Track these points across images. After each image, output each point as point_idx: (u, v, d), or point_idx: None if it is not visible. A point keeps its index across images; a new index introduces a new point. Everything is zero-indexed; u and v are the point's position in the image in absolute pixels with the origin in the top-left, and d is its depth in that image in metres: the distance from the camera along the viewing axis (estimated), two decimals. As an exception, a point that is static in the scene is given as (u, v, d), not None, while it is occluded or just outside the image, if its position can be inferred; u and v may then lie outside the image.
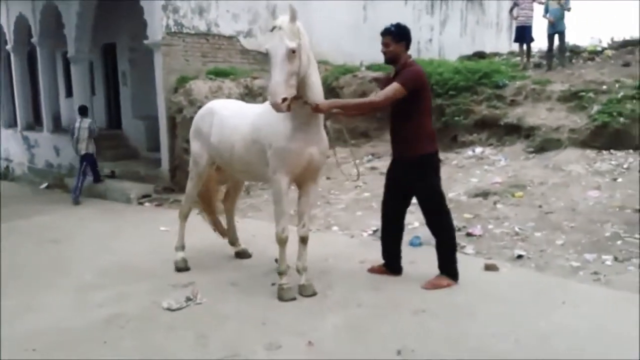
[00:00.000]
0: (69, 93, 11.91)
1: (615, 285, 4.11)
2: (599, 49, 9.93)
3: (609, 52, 9.42)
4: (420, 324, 3.57)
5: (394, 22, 4.22)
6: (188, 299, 4.08)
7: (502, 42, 19.22)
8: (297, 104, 3.74)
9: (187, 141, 8.90)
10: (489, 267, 4.60)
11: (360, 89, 10.13)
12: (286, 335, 3.48)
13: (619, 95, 7.39)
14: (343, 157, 5.28)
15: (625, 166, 6.58)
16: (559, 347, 3.20)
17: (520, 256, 4.85)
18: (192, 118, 8.74)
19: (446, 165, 8.16)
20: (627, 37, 10.06)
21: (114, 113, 12.66)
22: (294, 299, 4.09)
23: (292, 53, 3.57)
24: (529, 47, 9.92)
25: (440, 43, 17.09)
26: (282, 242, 4.14)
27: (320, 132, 4.02)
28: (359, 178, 4.63)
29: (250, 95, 9.69)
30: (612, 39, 10.20)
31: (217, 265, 5.08)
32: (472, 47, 17.03)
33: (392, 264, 4.52)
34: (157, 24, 9.00)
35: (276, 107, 3.57)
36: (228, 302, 4.10)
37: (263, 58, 11.06)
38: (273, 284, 4.41)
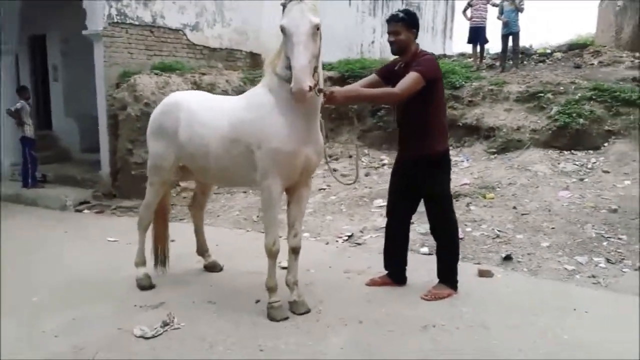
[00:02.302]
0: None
1: (616, 288, 4.01)
2: (549, 51, 10.15)
3: (559, 55, 9.65)
4: (434, 341, 3.26)
5: (402, 9, 3.88)
6: (165, 324, 3.53)
7: (437, 46, 19.57)
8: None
9: (131, 141, 8.25)
10: (483, 273, 4.39)
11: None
12: (289, 362, 3.05)
13: (577, 97, 7.50)
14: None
15: (589, 166, 6.64)
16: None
17: (508, 257, 4.67)
18: (138, 116, 8.13)
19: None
20: (569, 39, 10.35)
21: (43, 111, 11.50)
22: (287, 318, 3.65)
23: (316, 30, 3.09)
24: (482, 48, 9.98)
25: (382, 45, 17.09)
26: (272, 255, 3.68)
27: (317, 129, 3.58)
28: (356, 181, 4.17)
29: (199, 92, 9.07)
30: (557, 43, 10.52)
31: (185, 280, 4.53)
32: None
33: (396, 274, 4.18)
34: (98, 13, 8.17)
35: (301, 97, 3.03)
36: (211, 325, 3.59)
37: (210, 53, 10.49)
38: (257, 301, 3.97)
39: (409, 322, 3.53)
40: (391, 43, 3.79)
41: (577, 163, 6.80)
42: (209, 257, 4.79)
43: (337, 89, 3.53)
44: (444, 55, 12.90)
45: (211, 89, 9.19)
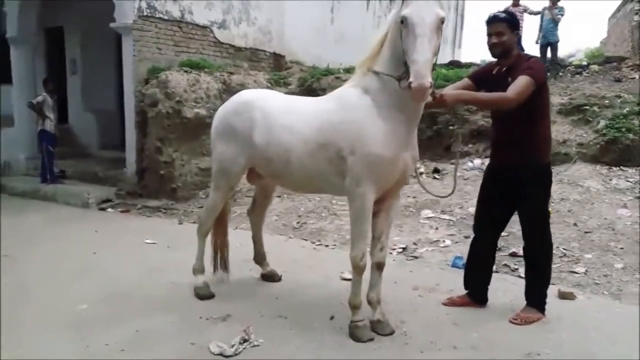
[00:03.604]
0: (5, 79, 10.28)
1: None
2: (584, 62, 9.98)
3: (595, 67, 9.47)
4: (546, 373, 2.98)
5: (496, 12, 3.59)
6: (243, 340, 3.22)
7: (447, 54, 19.36)
8: (403, 95, 3.00)
9: (160, 139, 7.93)
10: (565, 295, 4.12)
11: (345, 91, 9.50)
12: (396, 392, 2.76)
13: (625, 111, 7.29)
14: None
15: (643, 184, 6.42)
16: None
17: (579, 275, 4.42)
18: (169, 113, 7.83)
19: (447, 176, 7.76)
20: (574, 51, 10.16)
21: (59, 105, 11.12)
22: (373, 339, 3.35)
23: (441, 24, 2.81)
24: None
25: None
26: (360, 270, 3.37)
27: (415, 133, 3.31)
28: (453, 193, 3.83)
29: (228, 92, 8.76)
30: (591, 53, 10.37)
31: (245, 290, 4.23)
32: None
33: (479, 293, 3.90)
34: (128, 5, 7.88)
35: (422, 94, 2.73)
36: (291, 344, 3.29)
37: (235, 52, 10.21)
38: (332, 317, 3.68)
39: (509, 349, 3.25)
40: (493, 45, 3.51)
41: (630, 180, 6.58)
42: (267, 265, 4.50)
43: (447, 90, 3.26)
44: (472, 64, 12.66)
45: (241, 88, 8.90)
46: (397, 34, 2.95)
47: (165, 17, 8.48)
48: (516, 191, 3.59)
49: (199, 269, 4.16)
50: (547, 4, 9.65)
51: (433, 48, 2.78)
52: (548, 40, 9.01)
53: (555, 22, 9.04)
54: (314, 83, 9.66)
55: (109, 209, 7.79)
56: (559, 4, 9.59)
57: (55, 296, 4.14)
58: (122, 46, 8.12)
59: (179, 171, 7.96)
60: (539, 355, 3.16)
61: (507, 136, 3.56)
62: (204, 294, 4.03)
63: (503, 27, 3.46)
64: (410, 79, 2.75)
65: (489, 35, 3.52)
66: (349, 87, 3.40)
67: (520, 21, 9.49)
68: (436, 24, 2.78)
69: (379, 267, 3.50)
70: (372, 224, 3.45)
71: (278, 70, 11.12)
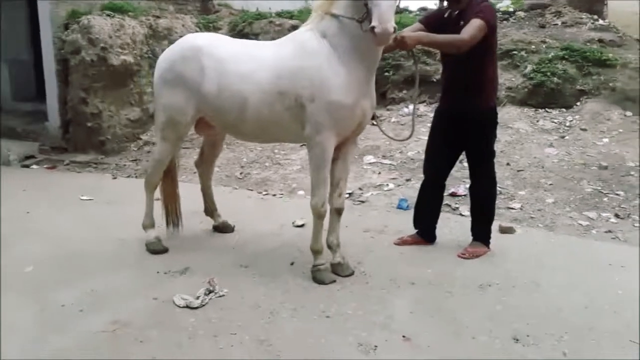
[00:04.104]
0: None
1: (636, 242, 4.16)
2: (511, 9, 10.28)
3: (522, 14, 9.78)
4: (500, 301, 3.21)
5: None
6: (208, 291, 3.20)
7: None
8: (363, 39, 2.98)
9: (85, 90, 7.41)
10: (505, 230, 4.41)
11: (279, 36, 9.23)
12: (366, 330, 2.87)
13: (550, 56, 7.65)
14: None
15: (567, 124, 6.86)
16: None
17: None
18: (93, 61, 7.30)
19: (387, 122, 7.88)
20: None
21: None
22: (335, 280, 3.45)
23: None
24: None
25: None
26: (321, 216, 3.41)
27: (373, 80, 3.32)
28: (411, 137, 3.87)
29: (155, 37, 8.32)
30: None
31: (199, 244, 4.17)
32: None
33: (428, 231, 4.09)
34: (40, -60, 7.11)
35: (385, 38, 2.76)
36: (257, 291, 3.31)
37: (160, -6, 9.58)
38: (292, 263, 3.73)
39: (463, 282, 3.47)
40: None
41: (554, 121, 7.00)
42: (219, 217, 4.43)
43: (406, 32, 3.26)
44: (406, 10, 12.69)
45: (168, 33, 8.49)
46: None
47: (84, -46, 7.75)
48: (464, 133, 3.73)
49: (149, 224, 4.04)
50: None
51: None
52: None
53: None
54: (245, 27, 9.31)
55: (34, 166, 7.27)
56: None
57: (-8, 259, 3.89)
58: (36, -13, 7.38)
59: (107, 123, 7.52)
60: (490, 286, 3.40)
61: (457, 81, 3.65)
62: (157, 249, 3.93)
63: None
64: (374, 23, 2.72)
65: None
66: (304, 31, 3.32)
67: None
68: None
69: (338, 212, 3.56)
70: (331, 172, 3.47)
71: (206, 13, 10.61)
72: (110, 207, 5.25)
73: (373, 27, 2.73)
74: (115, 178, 6.64)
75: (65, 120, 7.64)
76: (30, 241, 4.22)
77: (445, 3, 3.74)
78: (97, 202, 5.44)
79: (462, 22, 3.45)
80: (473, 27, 3.31)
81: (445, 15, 3.66)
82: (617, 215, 4.66)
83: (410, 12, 10.90)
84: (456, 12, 3.58)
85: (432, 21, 3.73)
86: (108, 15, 7.72)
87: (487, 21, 3.35)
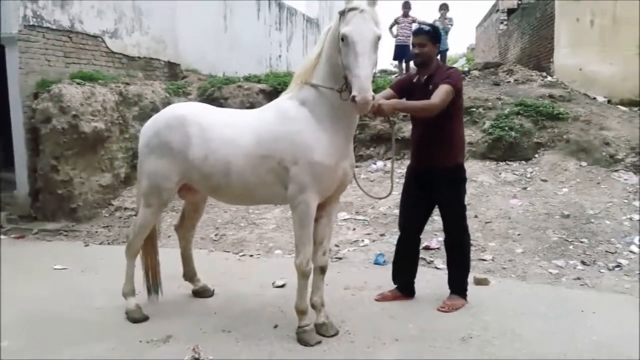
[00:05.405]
0: None
1: (602, 288, 4.36)
2: (466, 68, 10.91)
3: (476, 72, 10.40)
4: (482, 352, 3.30)
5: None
6: (194, 359, 3.18)
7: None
8: (341, 107, 3.20)
9: (56, 158, 7.40)
10: (480, 282, 4.56)
11: (248, 100, 9.52)
12: (356, 389, 2.91)
13: (506, 112, 8.12)
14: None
15: (528, 176, 7.21)
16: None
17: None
18: (64, 129, 7.33)
19: (357, 179, 8.08)
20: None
21: None
22: (320, 342, 3.47)
23: (378, 41, 3.02)
24: (407, 65, 10.43)
25: (287, 60, 17.25)
26: (305, 275, 3.48)
27: (352, 142, 3.51)
28: (390, 195, 4.04)
29: (125, 103, 8.44)
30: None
31: (180, 309, 4.14)
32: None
33: (407, 286, 4.20)
34: (12, 14, 7.26)
35: (365, 106, 2.94)
36: (241, 356, 3.30)
37: (129, 62, 9.81)
38: (276, 326, 3.74)
39: (445, 335, 3.54)
40: (416, 55, 3.86)
41: (516, 173, 7.35)
42: (199, 281, 4.43)
43: (382, 100, 3.49)
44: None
45: (138, 99, 8.64)
46: (334, 49, 3.12)
47: (54, 27, 7.92)
48: (436, 190, 3.93)
49: (129, 292, 4.01)
50: (436, 15, 10.50)
51: (372, 63, 2.99)
52: (439, 49, 9.75)
53: (445, 31, 9.82)
54: (215, 92, 9.54)
55: (2, 236, 7.12)
56: (448, 15, 10.47)
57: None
58: (7, 58, 7.45)
59: (78, 190, 7.49)
60: (472, 338, 3.49)
61: (428, 139, 3.88)
62: (137, 317, 3.89)
63: (426, 39, 3.81)
64: (354, 93, 2.94)
65: (413, 45, 3.86)
66: (284, 99, 3.51)
67: (409, 31, 10.15)
68: (374, 41, 3.00)
69: (322, 270, 3.63)
70: (315, 230, 3.57)
71: (174, 79, 10.85)
72: (85, 275, 5.18)
73: (354, 97, 2.94)
74: (87, 245, 6.56)
75: (34, 189, 7.57)
76: (5, 314, 4.10)
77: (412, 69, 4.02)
78: (71, 271, 5.36)
79: (430, 87, 3.72)
80: (442, 92, 3.59)
81: (414, 80, 3.95)
82: (583, 262, 4.89)
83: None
84: (425, 77, 3.87)
85: (402, 86, 4.01)
86: (78, 83, 7.83)
87: (454, 85, 3.65)
